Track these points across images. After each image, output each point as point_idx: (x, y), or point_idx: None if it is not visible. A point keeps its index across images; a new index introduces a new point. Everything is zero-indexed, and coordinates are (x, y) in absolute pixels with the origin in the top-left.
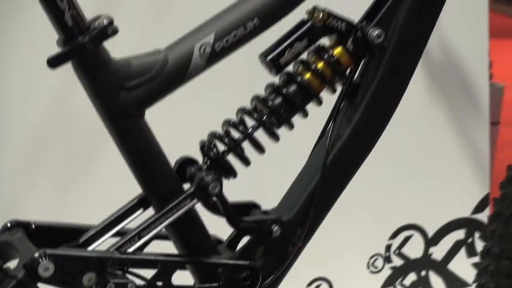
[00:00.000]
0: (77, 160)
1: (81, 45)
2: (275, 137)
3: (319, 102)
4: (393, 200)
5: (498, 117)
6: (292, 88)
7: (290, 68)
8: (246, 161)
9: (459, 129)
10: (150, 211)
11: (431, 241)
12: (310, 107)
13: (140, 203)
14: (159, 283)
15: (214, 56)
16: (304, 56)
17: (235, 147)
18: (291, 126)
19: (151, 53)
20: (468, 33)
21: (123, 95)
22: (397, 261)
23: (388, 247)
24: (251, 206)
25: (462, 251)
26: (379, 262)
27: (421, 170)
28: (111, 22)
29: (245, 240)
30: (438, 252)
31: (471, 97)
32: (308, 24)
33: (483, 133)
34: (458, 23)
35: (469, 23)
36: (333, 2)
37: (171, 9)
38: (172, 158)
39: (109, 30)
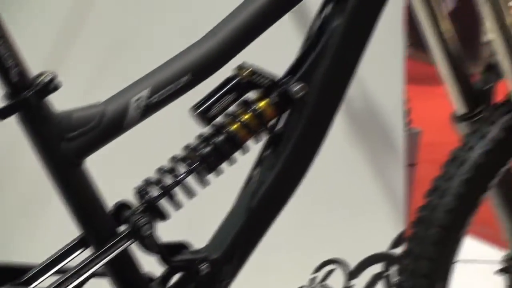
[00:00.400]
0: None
1: (25, 99)
2: (204, 183)
3: (245, 151)
4: (316, 237)
5: (414, 159)
6: (220, 138)
7: (220, 119)
8: (177, 205)
9: (376, 171)
10: (90, 250)
11: (352, 274)
12: (238, 155)
13: (80, 243)
14: None
15: (149, 109)
16: (232, 108)
17: (167, 192)
18: (219, 173)
19: (90, 106)
20: (384, 80)
21: (63, 145)
22: None
23: (312, 280)
24: (182, 246)
25: (380, 284)
26: None
27: (343, 209)
28: (53, 79)
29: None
30: (359, 284)
31: (387, 141)
32: (235, 81)
33: (398, 174)
34: (375, 72)
35: (385, 71)
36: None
37: (113, 64)
38: (112, 201)
39: (51, 86)
